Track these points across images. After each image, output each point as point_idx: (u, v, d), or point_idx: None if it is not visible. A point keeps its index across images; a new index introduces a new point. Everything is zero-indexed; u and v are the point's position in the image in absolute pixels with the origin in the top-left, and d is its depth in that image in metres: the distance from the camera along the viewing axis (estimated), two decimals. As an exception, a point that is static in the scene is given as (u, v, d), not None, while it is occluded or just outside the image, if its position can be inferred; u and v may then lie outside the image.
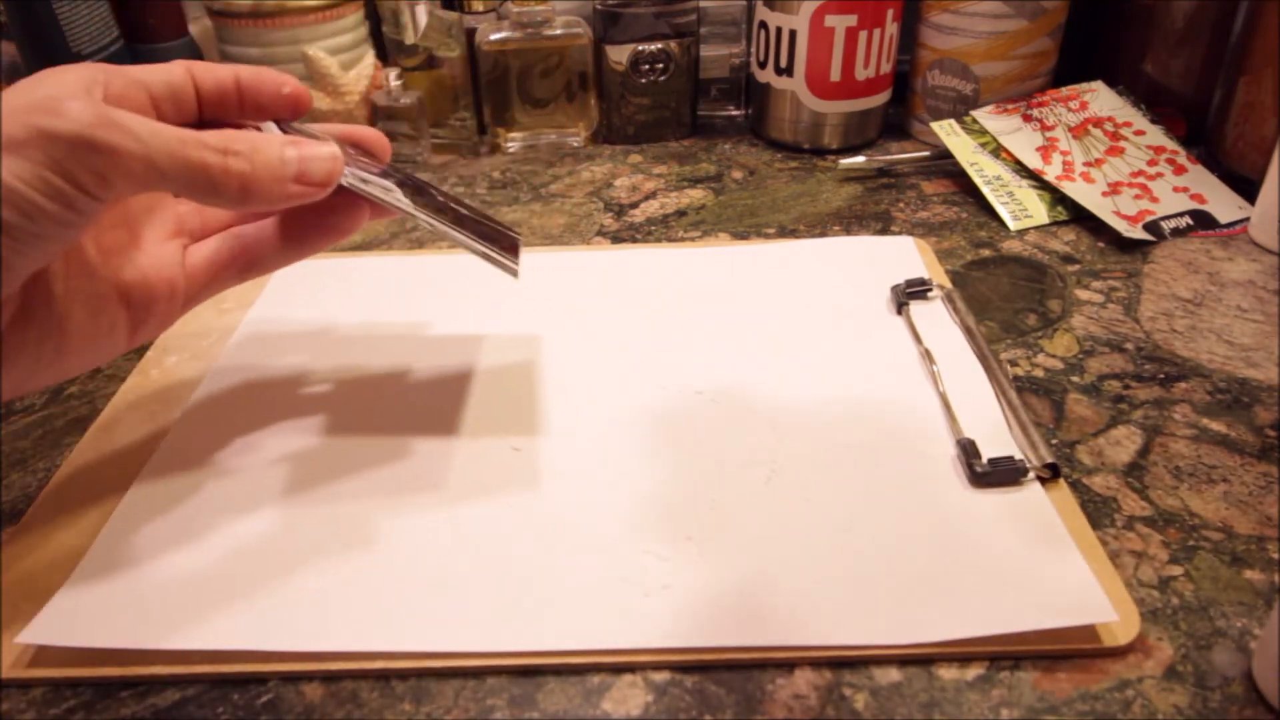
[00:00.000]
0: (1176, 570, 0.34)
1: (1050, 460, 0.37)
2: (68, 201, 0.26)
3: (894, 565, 0.33)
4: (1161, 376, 0.44)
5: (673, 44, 0.68)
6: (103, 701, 0.30)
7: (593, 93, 0.70)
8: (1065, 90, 0.64)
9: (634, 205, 0.62)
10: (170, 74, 0.32)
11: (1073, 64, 0.69)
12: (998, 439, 0.39)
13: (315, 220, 0.36)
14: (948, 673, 0.30)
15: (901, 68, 0.69)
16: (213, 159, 0.28)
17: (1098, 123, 0.62)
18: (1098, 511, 0.36)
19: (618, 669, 0.31)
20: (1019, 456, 0.37)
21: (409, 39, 0.66)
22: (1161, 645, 0.31)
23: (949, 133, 0.63)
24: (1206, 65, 0.63)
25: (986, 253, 0.55)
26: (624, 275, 0.52)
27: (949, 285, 0.49)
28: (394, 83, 0.64)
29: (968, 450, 0.37)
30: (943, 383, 0.42)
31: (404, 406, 0.42)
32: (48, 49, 0.55)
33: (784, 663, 0.31)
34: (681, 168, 0.67)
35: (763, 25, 0.66)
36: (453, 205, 0.39)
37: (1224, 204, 0.58)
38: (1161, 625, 0.32)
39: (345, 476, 0.38)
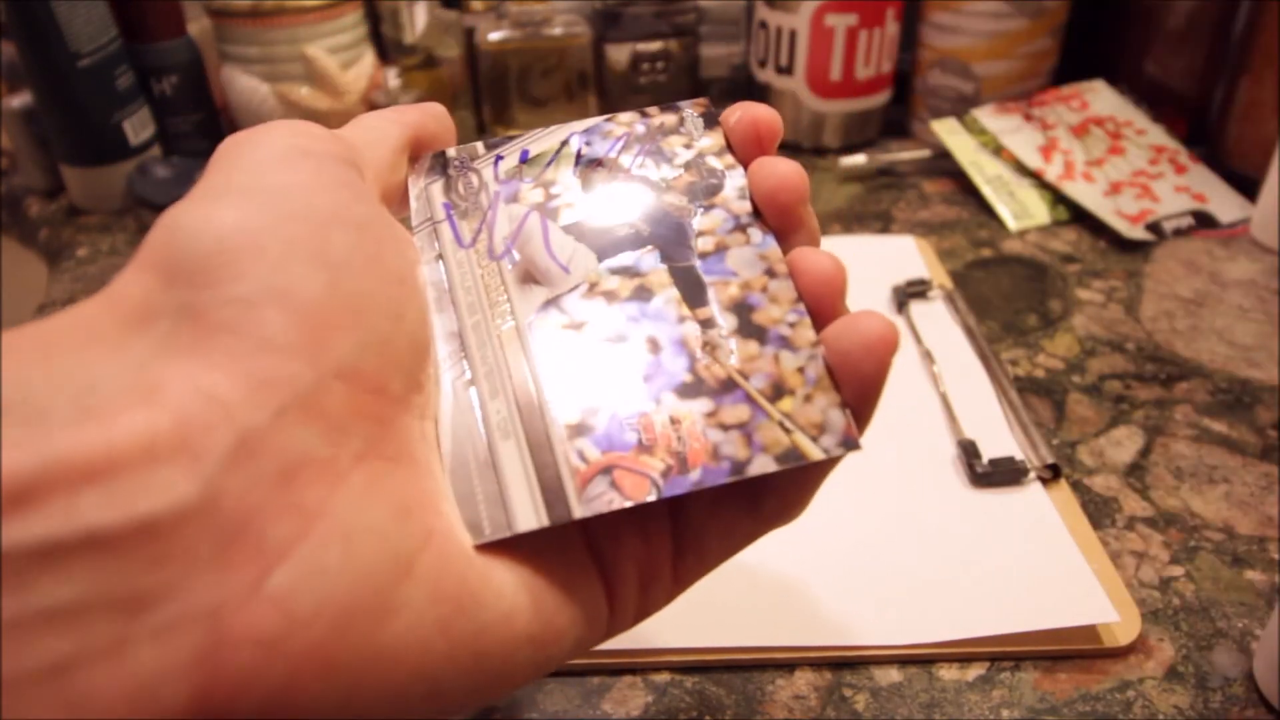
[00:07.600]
0: (1177, 570, 0.34)
1: (1051, 460, 0.37)
2: None
3: (894, 565, 0.33)
4: (1163, 376, 0.44)
5: (673, 43, 0.68)
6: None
7: (593, 92, 0.70)
8: (1066, 89, 0.64)
9: (634, 205, 0.62)
10: None
11: (1074, 63, 0.68)
12: (998, 439, 0.39)
13: None
14: (948, 673, 0.30)
15: (902, 67, 0.69)
16: None
17: (1099, 122, 0.62)
18: (1099, 512, 0.36)
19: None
20: (1020, 457, 0.37)
21: (408, 38, 0.65)
22: (1163, 646, 0.31)
23: (949, 132, 0.63)
24: (1208, 64, 0.63)
25: (987, 252, 0.55)
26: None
27: (950, 285, 0.49)
28: (393, 82, 0.64)
29: (968, 450, 0.37)
30: (943, 383, 0.42)
31: None
32: (46, 48, 0.55)
33: (784, 663, 0.31)
34: (681, 167, 0.67)
35: (763, 24, 0.66)
36: None
37: (1225, 203, 0.58)
38: (1163, 626, 0.32)
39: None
